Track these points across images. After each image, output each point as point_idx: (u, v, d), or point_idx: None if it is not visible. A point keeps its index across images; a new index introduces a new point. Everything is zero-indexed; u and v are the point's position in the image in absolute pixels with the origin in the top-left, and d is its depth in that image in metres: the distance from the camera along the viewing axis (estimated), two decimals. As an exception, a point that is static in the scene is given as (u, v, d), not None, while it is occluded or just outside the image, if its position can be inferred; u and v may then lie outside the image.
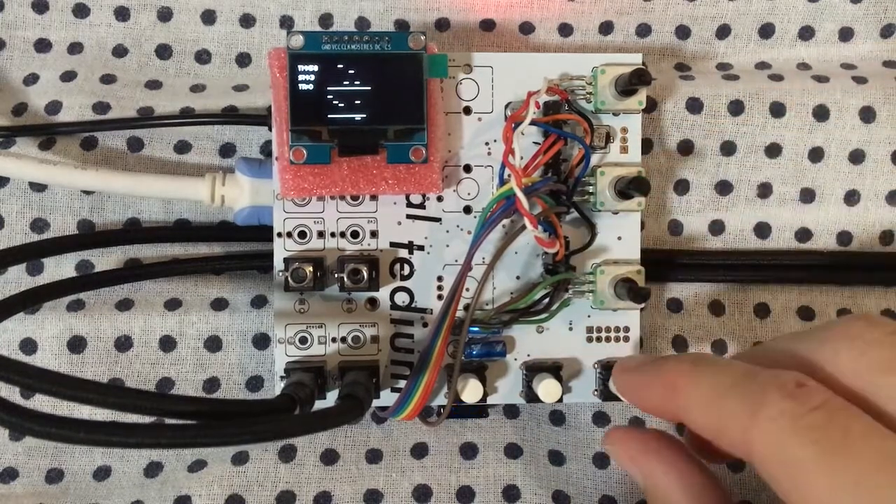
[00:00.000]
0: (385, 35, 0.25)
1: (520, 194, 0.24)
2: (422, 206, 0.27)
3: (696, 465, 0.22)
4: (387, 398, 0.27)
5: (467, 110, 0.27)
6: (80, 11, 0.30)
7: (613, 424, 0.29)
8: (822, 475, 0.17)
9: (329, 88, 0.25)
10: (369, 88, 0.25)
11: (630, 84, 0.25)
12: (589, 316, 0.27)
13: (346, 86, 0.25)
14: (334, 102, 0.25)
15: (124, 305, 0.29)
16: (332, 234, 0.26)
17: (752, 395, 0.18)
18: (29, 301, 0.25)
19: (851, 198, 0.30)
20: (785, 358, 0.20)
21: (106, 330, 0.28)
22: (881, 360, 0.18)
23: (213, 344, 0.29)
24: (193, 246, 0.29)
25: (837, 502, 0.17)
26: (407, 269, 0.27)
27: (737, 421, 0.18)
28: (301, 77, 0.25)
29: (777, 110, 0.29)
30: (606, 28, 0.30)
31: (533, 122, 0.25)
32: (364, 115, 0.25)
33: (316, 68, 0.25)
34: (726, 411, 0.19)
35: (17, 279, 0.29)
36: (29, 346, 0.28)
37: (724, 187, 0.29)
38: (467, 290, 0.26)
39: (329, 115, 0.25)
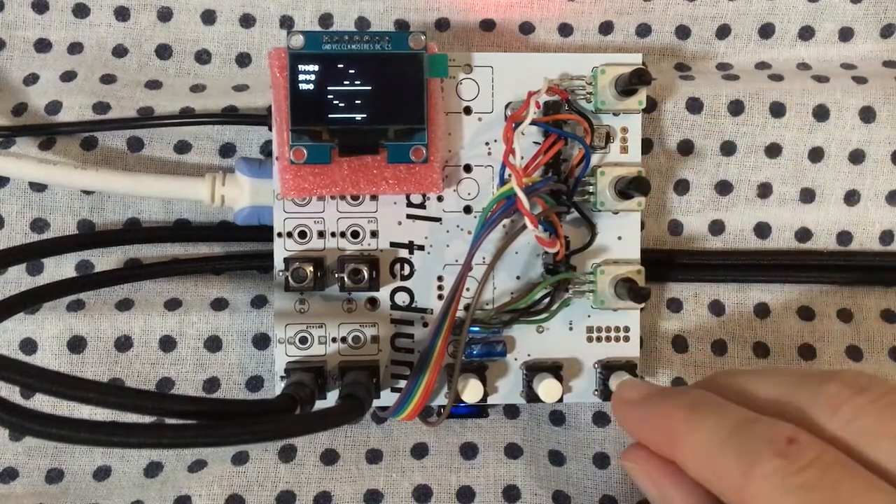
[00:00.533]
0: (385, 35, 0.25)
1: (520, 194, 0.24)
2: (422, 205, 0.27)
3: (714, 496, 0.22)
4: (387, 398, 0.27)
5: (467, 110, 0.27)
6: (80, 11, 0.30)
7: (613, 424, 0.29)
8: None
9: (329, 88, 0.25)
10: (370, 88, 0.25)
11: (630, 84, 0.25)
12: (589, 316, 0.27)
13: (346, 86, 0.25)
14: (335, 102, 0.25)
15: (124, 305, 0.29)
16: (333, 234, 0.26)
17: (746, 452, 0.19)
18: (29, 301, 0.25)
19: (851, 198, 0.30)
20: (778, 408, 0.21)
21: (106, 330, 0.28)
22: (868, 427, 0.19)
23: (213, 344, 0.29)
24: (193, 246, 0.29)
25: None
26: (407, 269, 0.27)
27: (731, 478, 0.19)
28: (301, 77, 0.25)
29: (777, 110, 0.29)
30: (606, 28, 0.30)
31: (533, 122, 0.25)
32: (364, 115, 0.25)
33: (316, 68, 0.25)
34: (721, 467, 0.19)
35: (17, 279, 0.29)
36: (29, 346, 0.28)
37: (724, 187, 0.29)
38: (468, 290, 0.26)
39: (329, 115, 0.25)
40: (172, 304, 0.29)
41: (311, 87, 0.25)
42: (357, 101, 0.25)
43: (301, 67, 0.24)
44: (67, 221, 0.29)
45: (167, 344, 0.28)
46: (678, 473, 0.21)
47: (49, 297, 0.27)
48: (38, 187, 0.29)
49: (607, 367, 0.27)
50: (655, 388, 0.24)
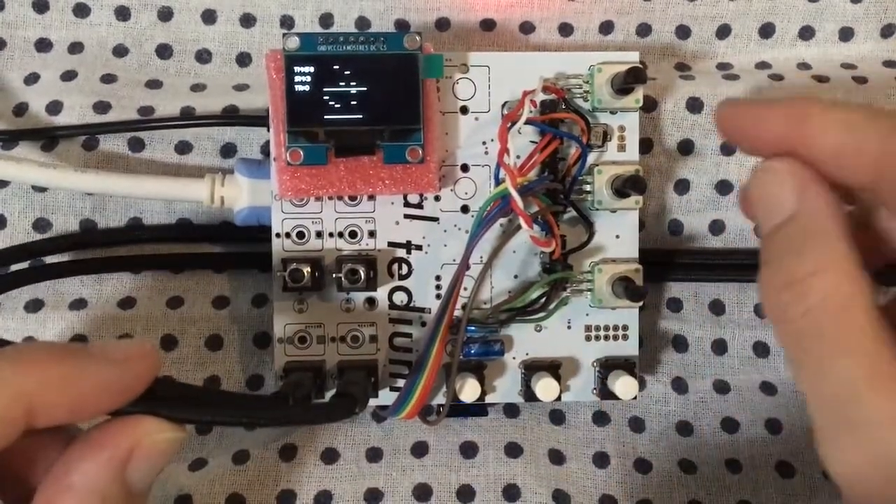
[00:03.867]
0: (381, 36, 0.25)
1: (514, 194, 0.24)
2: (419, 205, 0.27)
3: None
4: (386, 397, 0.27)
5: (464, 110, 0.27)
6: (81, 11, 0.30)
7: (613, 424, 0.29)
8: None
9: (325, 89, 0.25)
10: (365, 89, 0.25)
11: (626, 83, 0.25)
12: (587, 314, 0.27)
13: (342, 87, 0.25)
14: (330, 103, 0.25)
15: (126, 304, 0.29)
16: (331, 235, 0.27)
17: (888, 123, 0.18)
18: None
19: (851, 198, 0.30)
20: None
21: (108, 329, 0.28)
22: None
23: (214, 342, 0.29)
24: (195, 246, 0.29)
25: None
26: (405, 269, 0.27)
27: (872, 146, 0.18)
28: (297, 78, 0.24)
29: (777, 110, 0.29)
30: (607, 28, 0.30)
31: (530, 122, 0.25)
32: (360, 116, 0.25)
33: (312, 69, 0.24)
34: (861, 133, 0.18)
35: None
36: (30, 345, 0.28)
37: (724, 187, 0.29)
38: (465, 289, 0.26)
39: (325, 116, 0.25)
40: (174, 303, 0.29)
41: (306, 88, 0.25)
42: (353, 102, 0.25)
43: (297, 69, 0.24)
44: (69, 221, 0.29)
45: (168, 342, 0.28)
46: (822, 180, 0.19)
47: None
48: (40, 187, 0.29)
49: (606, 366, 0.27)
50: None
